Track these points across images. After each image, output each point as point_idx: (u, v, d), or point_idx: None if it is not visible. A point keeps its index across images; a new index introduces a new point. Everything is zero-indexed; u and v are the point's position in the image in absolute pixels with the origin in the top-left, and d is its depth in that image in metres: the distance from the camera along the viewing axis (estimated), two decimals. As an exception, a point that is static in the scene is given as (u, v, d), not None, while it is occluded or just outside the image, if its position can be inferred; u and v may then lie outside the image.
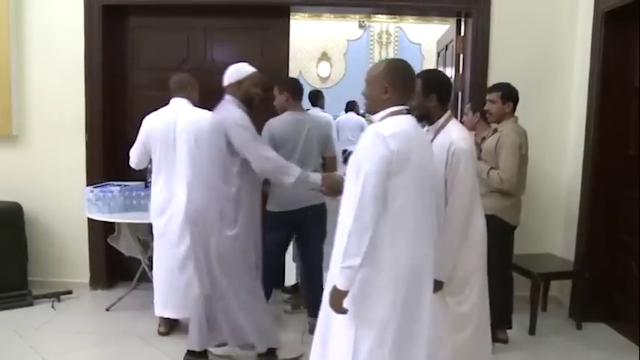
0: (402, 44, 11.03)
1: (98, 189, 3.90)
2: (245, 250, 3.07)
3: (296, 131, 3.53)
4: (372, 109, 2.24)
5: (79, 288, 4.33)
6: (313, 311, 3.70)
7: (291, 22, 4.51)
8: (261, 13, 4.37)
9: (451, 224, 2.49)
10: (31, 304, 4.05)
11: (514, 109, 3.47)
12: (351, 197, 2.08)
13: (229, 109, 3.03)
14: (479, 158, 3.39)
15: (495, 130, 3.44)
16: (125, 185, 4.00)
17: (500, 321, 3.48)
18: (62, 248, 4.41)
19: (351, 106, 8.15)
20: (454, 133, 2.56)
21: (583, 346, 3.64)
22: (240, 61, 4.35)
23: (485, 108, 3.51)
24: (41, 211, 4.36)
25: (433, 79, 2.68)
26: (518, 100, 3.47)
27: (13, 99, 4.25)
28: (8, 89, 4.22)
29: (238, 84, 3.09)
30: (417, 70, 2.49)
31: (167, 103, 3.65)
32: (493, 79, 4.04)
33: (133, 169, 3.76)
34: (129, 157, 4.39)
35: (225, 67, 4.33)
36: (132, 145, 3.74)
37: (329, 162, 3.70)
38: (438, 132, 2.60)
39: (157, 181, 3.54)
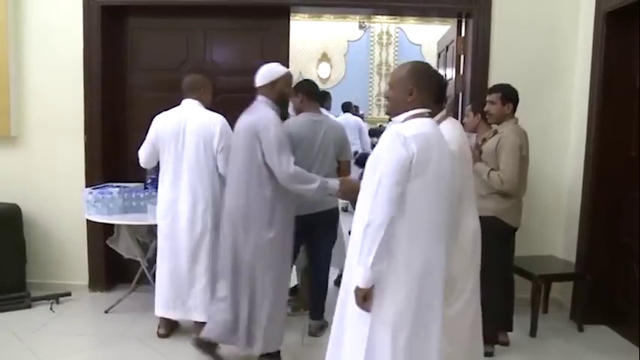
0: (402, 45, 11.03)
1: (97, 190, 3.89)
2: (281, 253, 3.09)
3: (312, 132, 3.51)
4: (395, 110, 2.25)
5: (78, 290, 4.31)
6: (315, 314, 3.71)
7: (291, 22, 4.49)
8: (261, 14, 4.35)
9: None
10: (29, 307, 4.04)
11: (514, 110, 3.45)
12: (367, 197, 2.10)
13: (263, 111, 3.04)
14: (479, 160, 3.38)
15: (496, 132, 3.42)
16: (124, 187, 3.99)
17: (501, 323, 3.48)
18: (61, 250, 4.39)
19: (346, 107, 8.11)
20: (446, 132, 2.54)
21: (584, 348, 3.62)
22: (240, 62, 4.42)
23: (485, 109, 3.50)
24: (40, 212, 4.34)
25: None
26: (518, 101, 3.45)
27: (12, 100, 4.23)
28: (7, 90, 4.20)
29: (272, 84, 3.10)
30: None
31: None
32: (494, 79, 4.03)
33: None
34: (128, 158, 4.43)
35: (225, 67, 4.41)
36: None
37: (344, 166, 3.67)
38: None
39: (163, 181, 3.52)
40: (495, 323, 3.42)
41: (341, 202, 3.59)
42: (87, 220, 4.04)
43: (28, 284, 4.23)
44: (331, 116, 5.66)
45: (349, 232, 2.34)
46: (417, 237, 2.10)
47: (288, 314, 4.05)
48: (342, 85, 10.78)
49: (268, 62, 4.29)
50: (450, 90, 4.67)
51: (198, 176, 3.42)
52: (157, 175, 3.84)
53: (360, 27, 11.02)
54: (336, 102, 8.46)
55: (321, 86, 10.32)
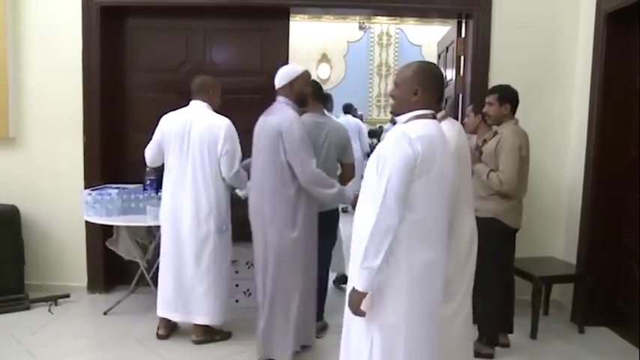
0: (402, 46, 11.03)
1: (96, 191, 3.88)
2: (305, 252, 3.13)
3: (316, 133, 3.49)
4: (399, 110, 2.24)
5: (77, 292, 4.30)
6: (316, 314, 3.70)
7: (291, 23, 4.48)
8: (261, 15, 4.34)
9: None
10: (27, 308, 4.02)
11: (513, 111, 3.44)
12: (368, 197, 2.10)
13: (285, 111, 3.09)
14: (479, 161, 3.38)
15: (496, 133, 3.41)
16: (123, 188, 3.97)
17: (501, 325, 3.47)
18: (60, 251, 4.38)
19: (347, 109, 8.15)
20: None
21: (585, 350, 3.61)
22: (239, 63, 4.41)
23: (484, 110, 3.51)
24: (38, 213, 4.33)
25: None
26: (517, 101, 3.44)
27: (11, 100, 4.22)
28: (5, 90, 4.19)
29: (290, 85, 3.16)
30: None
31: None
32: (494, 80, 4.02)
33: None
34: (127, 159, 4.42)
35: (225, 68, 4.40)
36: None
37: (347, 168, 3.65)
38: None
39: (166, 182, 3.51)
40: (496, 325, 3.41)
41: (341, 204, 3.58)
42: (86, 221, 4.03)
43: (26, 286, 4.21)
44: (334, 118, 5.67)
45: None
46: (419, 237, 2.10)
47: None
48: (342, 86, 10.77)
49: (268, 63, 4.37)
50: (450, 91, 4.67)
51: (203, 179, 3.40)
52: (156, 177, 3.85)
53: (360, 28, 11.01)
54: (337, 103, 8.48)
55: (321, 87, 10.30)
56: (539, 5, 4.17)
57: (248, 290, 4.16)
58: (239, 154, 3.43)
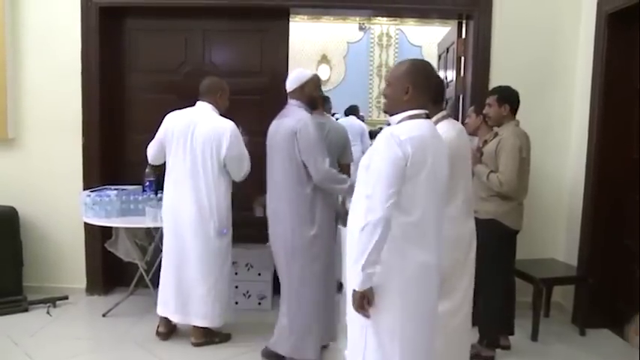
0: (402, 46, 11.02)
1: (95, 193, 3.86)
2: (324, 249, 3.18)
3: (318, 132, 3.50)
4: (391, 109, 2.21)
5: (76, 293, 4.28)
6: None
7: (291, 24, 4.46)
8: (260, 15, 4.32)
9: None
10: (26, 310, 4.00)
11: (513, 112, 3.42)
12: (360, 199, 2.09)
13: (299, 113, 3.18)
14: (480, 162, 3.36)
15: (496, 134, 3.40)
16: (122, 189, 3.95)
17: (502, 327, 3.45)
18: (58, 253, 4.36)
19: (351, 111, 8.18)
20: (440, 134, 2.58)
21: (586, 352, 3.60)
22: (239, 64, 4.39)
23: (484, 112, 3.50)
24: (37, 215, 4.31)
25: None
26: (517, 102, 3.42)
27: (9, 101, 4.20)
28: (4, 91, 4.17)
29: (301, 88, 3.25)
30: None
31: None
32: (495, 81, 4.01)
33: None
34: (126, 160, 4.41)
35: (224, 69, 4.39)
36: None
37: (344, 169, 3.66)
38: None
39: (167, 182, 3.50)
40: (496, 327, 3.40)
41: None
42: (84, 222, 4.01)
43: (24, 288, 4.19)
44: (333, 118, 5.67)
45: None
46: (412, 239, 2.08)
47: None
48: (342, 87, 10.75)
49: (267, 64, 4.36)
50: (451, 92, 4.65)
51: (204, 181, 3.38)
52: (155, 178, 3.84)
53: (360, 28, 11.00)
54: (337, 104, 8.48)
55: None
56: (540, 6, 4.15)
57: (248, 292, 4.15)
58: (247, 156, 3.43)
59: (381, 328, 2.09)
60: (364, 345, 2.12)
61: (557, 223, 4.26)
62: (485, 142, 3.48)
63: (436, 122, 2.74)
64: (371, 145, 8.32)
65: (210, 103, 3.49)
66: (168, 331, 3.61)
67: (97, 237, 4.23)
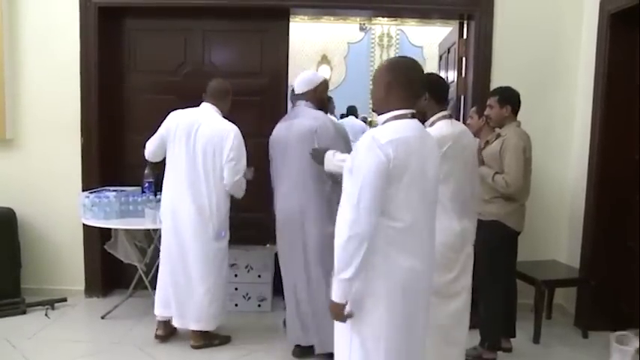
0: (403, 47, 10.98)
1: (94, 194, 3.84)
2: None
3: None
4: (378, 109, 2.15)
5: (74, 295, 4.26)
6: None
7: (291, 24, 4.45)
8: (260, 16, 4.30)
9: None
10: (24, 312, 3.98)
11: (514, 113, 3.40)
12: (345, 203, 2.02)
13: (314, 112, 3.28)
14: (482, 164, 3.34)
15: (499, 135, 3.37)
16: (122, 190, 3.93)
17: (503, 329, 3.44)
18: (57, 255, 4.33)
19: (351, 111, 8.29)
20: (436, 132, 2.61)
21: (589, 355, 3.57)
22: (239, 64, 4.37)
23: (485, 113, 3.49)
24: (35, 216, 4.29)
25: (426, 79, 2.74)
26: (518, 103, 3.40)
27: (7, 102, 4.18)
28: (2, 91, 4.14)
29: (314, 91, 3.34)
30: None
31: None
32: (496, 82, 3.99)
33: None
34: (125, 161, 4.39)
35: (224, 70, 4.37)
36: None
37: None
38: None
39: (167, 180, 3.48)
40: (498, 329, 3.38)
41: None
42: (83, 224, 3.98)
43: (22, 290, 4.18)
44: (333, 118, 5.66)
45: None
46: (398, 244, 2.01)
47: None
48: (343, 88, 10.72)
49: (267, 64, 4.33)
50: (452, 93, 4.63)
51: (205, 182, 3.37)
52: (155, 179, 3.81)
53: (361, 29, 10.97)
54: (337, 105, 8.50)
55: (322, 88, 10.31)
56: (542, 6, 4.13)
57: (247, 294, 4.13)
58: (244, 162, 3.41)
59: (366, 334, 2.03)
60: (349, 350, 2.07)
61: (559, 224, 4.24)
62: (487, 142, 3.46)
63: (436, 120, 2.76)
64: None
65: (215, 105, 3.47)
66: (168, 333, 3.59)
67: (96, 238, 4.21)
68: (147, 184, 3.89)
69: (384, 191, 1.95)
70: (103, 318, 3.94)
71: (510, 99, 3.37)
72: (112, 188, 4.00)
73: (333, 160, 2.97)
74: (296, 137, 3.20)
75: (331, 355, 2.34)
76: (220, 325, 3.57)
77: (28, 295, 4.12)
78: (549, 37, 4.15)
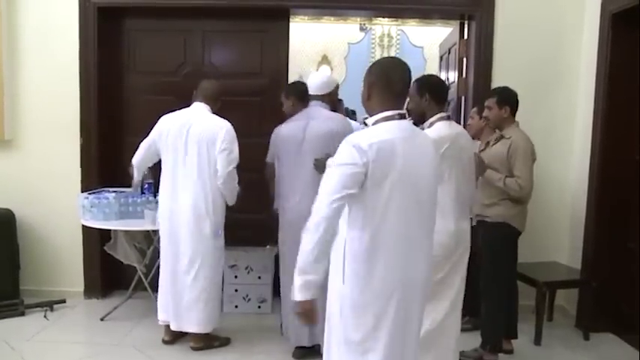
0: (403, 47, 10.95)
1: (93, 195, 3.82)
2: None
3: None
4: (367, 111, 2.13)
5: (73, 297, 4.24)
6: None
7: (291, 24, 4.43)
8: (260, 16, 4.29)
9: None
10: (22, 314, 3.96)
11: (513, 113, 3.37)
12: None
13: (330, 113, 3.36)
14: (483, 165, 3.32)
15: (501, 136, 3.34)
16: (121, 191, 3.91)
17: (505, 331, 3.42)
18: (56, 256, 4.32)
19: (348, 114, 8.27)
20: (434, 133, 2.63)
21: (590, 357, 3.56)
22: (239, 65, 4.36)
23: (484, 115, 3.48)
24: (34, 217, 4.27)
25: (426, 80, 2.88)
26: (517, 103, 3.38)
27: (6, 102, 4.16)
28: (1, 92, 4.13)
29: (330, 93, 3.43)
30: (419, 73, 2.51)
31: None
32: (497, 82, 3.97)
33: (130, 174, 3.68)
34: (125, 162, 4.34)
35: (224, 70, 4.36)
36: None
37: None
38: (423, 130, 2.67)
39: (164, 182, 3.47)
40: (499, 331, 3.36)
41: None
42: (82, 225, 3.97)
43: (21, 291, 4.16)
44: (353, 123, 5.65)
45: None
46: (385, 251, 1.95)
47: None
48: (343, 88, 10.62)
49: (267, 65, 4.32)
50: (453, 93, 4.61)
51: (200, 180, 3.36)
52: (154, 180, 3.80)
53: (361, 29, 10.93)
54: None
55: (322, 89, 10.29)
56: (543, 6, 4.11)
57: (247, 295, 4.11)
58: (236, 154, 3.38)
59: (354, 344, 1.99)
60: (337, 357, 2.04)
61: (561, 226, 4.22)
62: (488, 143, 3.44)
63: (434, 121, 2.77)
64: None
65: (207, 104, 3.47)
66: (174, 337, 3.57)
67: (95, 240, 4.19)
68: (146, 185, 3.87)
69: (348, 192, 1.90)
70: (102, 320, 3.92)
71: (509, 100, 3.35)
72: (111, 189, 3.98)
73: None
74: (314, 138, 3.21)
75: None
76: (220, 327, 3.55)
77: (26, 297, 4.10)
78: (550, 37, 4.13)
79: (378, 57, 11.06)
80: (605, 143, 3.82)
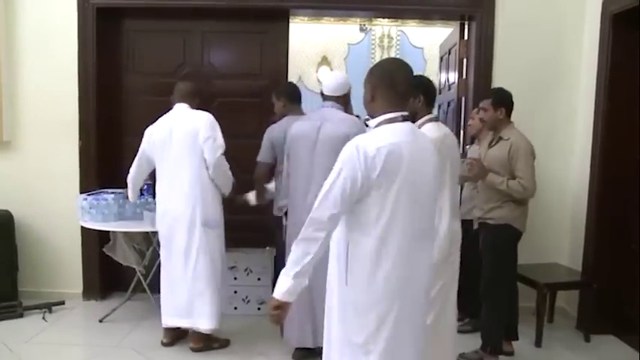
0: (403, 48, 10.93)
1: (92, 196, 3.81)
2: None
3: None
4: (368, 113, 2.11)
5: (72, 299, 4.23)
6: None
7: (291, 25, 4.43)
8: (260, 17, 4.29)
9: None
10: (21, 316, 3.95)
11: (508, 114, 3.36)
12: None
13: (345, 115, 3.34)
14: (487, 173, 3.30)
15: (500, 138, 3.32)
16: (120, 193, 3.89)
17: (505, 332, 3.41)
18: (54, 257, 4.31)
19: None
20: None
21: (591, 359, 3.54)
22: (238, 65, 4.35)
23: (479, 117, 3.47)
24: (33, 219, 4.26)
25: (420, 82, 2.83)
26: (512, 104, 3.36)
27: (5, 103, 4.15)
28: (0, 93, 4.12)
29: (345, 95, 3.44)
30: (419, 74, 2.49)
31: (163, 108, 3.56)
32: (497, 83, 3.96)
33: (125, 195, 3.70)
34: (124, 163, 4.33)
35: (223, 71, 4.35)
36: (126, 151, 3.67)
37: None
38: None
39: (159, 189, 3.48)
40: (500, 333, 3.35)
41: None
42: (81, 226, 3.96)
43: (20, 293, 4.16)
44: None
45: None
46: (389, 254, 1.94)
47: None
48: (343, 89, 10.69)
49: (267, 66, 4.31)
50: (453, 94, 4.61)
51: (189, 174, 3.36)
52: (153, 182, 3.78)
53: (361, 30, 10.91)
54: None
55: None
56: (544, 6, 4.11)
57: (247, 297, 4.10)
58: (220, 141, 3.37)
59: (356, 346, 1.98)
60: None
61: (561, 227, 4.21)
62: (490, 144, 3.43)
63: (423, 123, 2.77)
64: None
65: (185, 102, 3.48)
66: (173, 340, 3.56)
67: (94, 241, 4.19)
68: (145, 187, 3.86)
69: (352, 199, 1.90)
70: (101, 321, 3.91)
71: (504, 101, 3.34)
72: (110, 190, 3.97)
73: None
74: (328, 140, 3.16)
75: None
76: (219, 329, 3.54)
77: (25, 299, 4.10)
78: (551, 37, 4.12)
79: (378, 58, 11.04)
80: (606, 143, 3.81)
